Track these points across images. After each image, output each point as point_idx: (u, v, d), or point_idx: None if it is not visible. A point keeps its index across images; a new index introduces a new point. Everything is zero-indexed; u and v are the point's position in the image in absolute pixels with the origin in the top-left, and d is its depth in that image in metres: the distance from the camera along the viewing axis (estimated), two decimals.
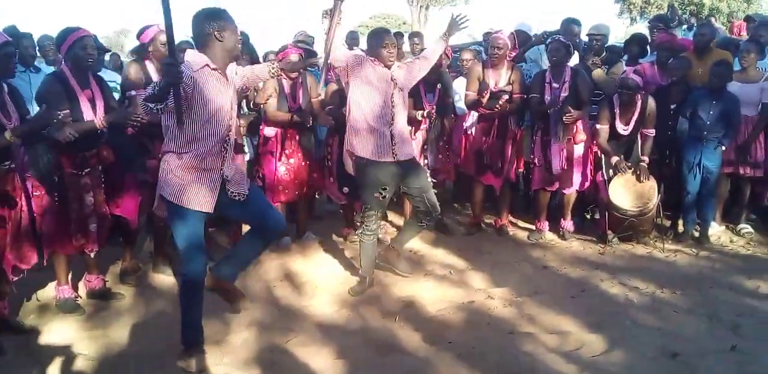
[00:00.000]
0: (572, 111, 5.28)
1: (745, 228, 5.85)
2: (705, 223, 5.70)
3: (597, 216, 5.91)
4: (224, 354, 3.58)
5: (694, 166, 5.52)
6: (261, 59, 6.15)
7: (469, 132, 5.91)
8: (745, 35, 7.41)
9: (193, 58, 3.23)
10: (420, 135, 5.45)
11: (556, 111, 5.44)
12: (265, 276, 4.79)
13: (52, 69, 5.73)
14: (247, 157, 5.46)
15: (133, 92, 4.33)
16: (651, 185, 5.39)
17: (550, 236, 5.85)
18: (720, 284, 4.67)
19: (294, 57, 5.07)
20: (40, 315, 4.14)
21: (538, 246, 5.64)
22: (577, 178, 5.64)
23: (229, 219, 4.05)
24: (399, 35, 9.28)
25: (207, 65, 3.20)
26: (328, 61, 4.28)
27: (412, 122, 5.21)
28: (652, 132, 5.45)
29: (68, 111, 3.81)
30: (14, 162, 3.65)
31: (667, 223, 5.92)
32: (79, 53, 3.89)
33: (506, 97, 5.48)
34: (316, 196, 6.31)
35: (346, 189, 5.33)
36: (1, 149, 3.49)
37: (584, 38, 6.58)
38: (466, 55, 6.27)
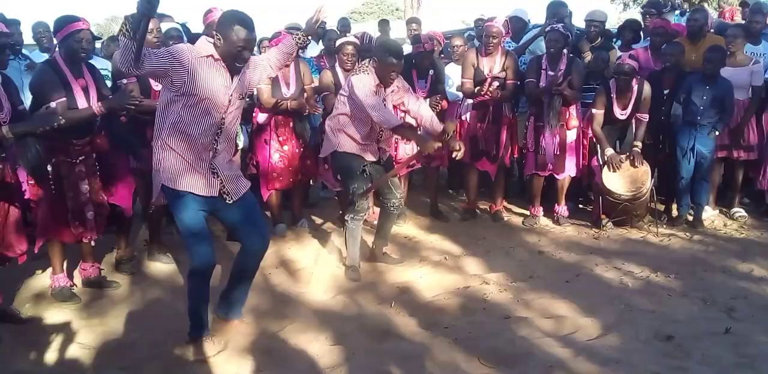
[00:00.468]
0: (566, 89, 5.28)
1: (739, 211, 5.88)
2: (699, 207, 5.72)
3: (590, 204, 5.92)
4: (220, 341, 3.57)
5: (687, 150, 5.53)
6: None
7: (463, 118, 5.89)
8: (738, 20, 7.37)
9: (201, 45, 3.20)
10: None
11: (549, 97, 5.44)
12: (261, 264, 4.77)
13: (45, 56, 5.70)
14: (241, 145, 5.44)
15: (125, 80, 4.30)
16: (644, 170, 5.40)
17: (544, 221, 5.87)
18: (714, 267, 4.70)
19: None
20: (36, 304, 4.12)
21: (532, 232, 5.65)
22: (570, 163, 5.65)
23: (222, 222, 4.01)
24: (385, 22, 9.26)
25: (211, 55, 3.18)
26: None
27: None
28: (645, 117, 5.45)
29: (65, 99, 3.78)
30: (5, 152, 3.63)
31: (661, 208, 5.94)
32: (73, 45, 3.86)
33: (496, 84, 5.47)
34: (311, 183, 6.30)
35: (339, 177, 5.31)
36: None
37: (576, 24, 6.57)
38: (457, 41, 6.24)
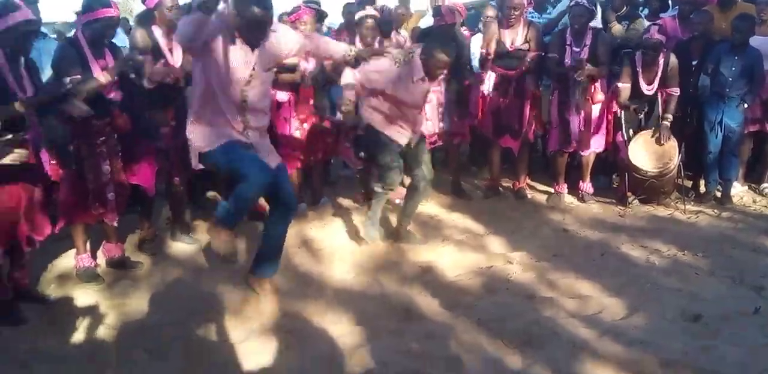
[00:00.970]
0: (588, 67, 5.16)
1: None
2: (727, 183, 5.60)
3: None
4: (243, 321, 3.57)
5: (715, 124, 5.41)
6: None
7: (486, 92, 5.78)
8: None
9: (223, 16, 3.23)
10: (434, 97, 5.33)
11: (573, 73, 5.31)
12: (288, 241, 4.76)
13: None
14: None
15: (140, 57, 4.26)
16: (671, 145, 5.28)
17: (569, 199, 5.78)
18: (743, 245, 4.61)
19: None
20: (61, 285, 4.15)
21: (557, 210, 5.58)
22: (595, 139, 5.54)
23: None
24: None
25: (234, 32, 3.22)
26: None
27: None
28: (676, 90, 5.30)
29: (79, 76, 3.77)
30: (28, 133, 3.62)
31: (689, 184, 5.82)
32: (100, 30, 3.89)
33: (530, 57, 5.38)
34: (331, 161, 6.26)
35: (362, 154, 5.27)
36: (15, 119, 3.46)
37: None
38: (490, 12, 5.99)
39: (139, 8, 4.78)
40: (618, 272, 4.18)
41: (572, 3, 5.41)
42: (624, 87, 5.30)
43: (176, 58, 4.40)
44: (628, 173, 5.40)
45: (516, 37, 5.41)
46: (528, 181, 6.10)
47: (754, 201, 5.63)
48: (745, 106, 5.37)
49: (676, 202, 5.53)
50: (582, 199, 5.73)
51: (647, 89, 5.32)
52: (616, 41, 5.67)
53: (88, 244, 4.23)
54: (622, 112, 5.45)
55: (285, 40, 3.47)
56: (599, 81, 5.42)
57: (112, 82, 3.86)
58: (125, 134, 4.08)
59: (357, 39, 5.30)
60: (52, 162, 3.92)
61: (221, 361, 3.22)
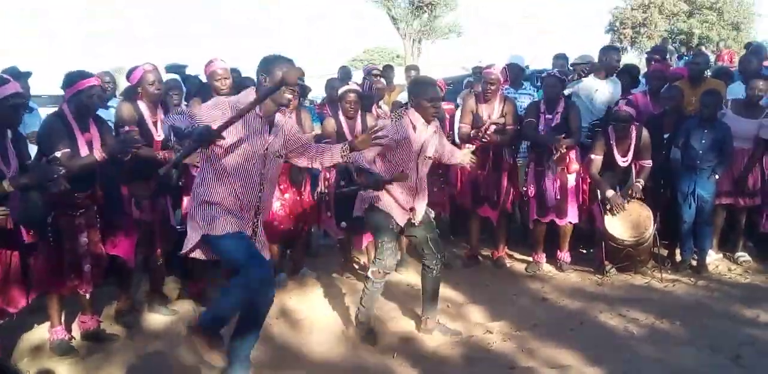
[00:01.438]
0: (563, 140, 5.32)
1: (743, 256, 5.84)
2: (702, 252, 5.68)
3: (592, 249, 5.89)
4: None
5: (688, 195, 5.54)
6: None
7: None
8: (737, 62, 7.52)
9: (245, 96, 3.26)
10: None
11: (548, 141, 5.48)
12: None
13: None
14: None
15: (126, 127, 4.35)
16: (646, 214, 5.39)
17: (547, 267, 5.83)
18: (719, 314, 4.64)
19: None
20: (34, 358, 4.07)
21: (536, 278, 5.62)
22: (572, 208, 5.65)
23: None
24: (390, 68, 9.40)
25: (252, 111, 3.19)
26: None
27: None
28: (649, 162, 5.47)
29: (68, 150, 3.82)
30: (8, 205, 3.64)
31: (665, 253, 5.91)
32: (84, 101, 3.94)
33: (493, 127, 5.51)
34: (312, 231, 6.28)
35: (344, 224, 5.32)
36: None
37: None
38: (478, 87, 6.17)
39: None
40: (597, 342, 4.18)
41: (545, 74, 5.66)
42: (596, 159, 5.46)
43: (160, 131, 4.49)
44: (605, 242, 5.48)
45: (492, 111, 5.59)
46: (507, 250, 6.15)
47: (730, 270, 5.70)
48: (716, 177, 5.52)
49: (653, 271, 5.59)
50: (560, 268, 5.78)
51: (622, 161, 5.47)
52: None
53: (62, 316, 4.18)
54: (595, 185, 5.58)
55: (293, 134, 3.54)
56: (574, 151, 5.58)
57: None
58: (106, 205, 4.11)
59: (339, 112, 5.44)
60: (30, 233, 3.93)
61: None
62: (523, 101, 6.22)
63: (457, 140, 5.82)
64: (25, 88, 5.81)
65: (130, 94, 4.54)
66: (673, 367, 3.76)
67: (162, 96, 4.64)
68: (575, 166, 5.58)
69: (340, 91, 5.50)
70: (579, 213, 5.70)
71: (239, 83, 6.07)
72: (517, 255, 6.23)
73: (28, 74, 6.08)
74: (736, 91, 6.01)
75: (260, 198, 3.37)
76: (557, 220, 5.67)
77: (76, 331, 4.33)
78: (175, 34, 73.88)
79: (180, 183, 4.85)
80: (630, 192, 5.40)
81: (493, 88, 5.52)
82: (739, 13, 28.36)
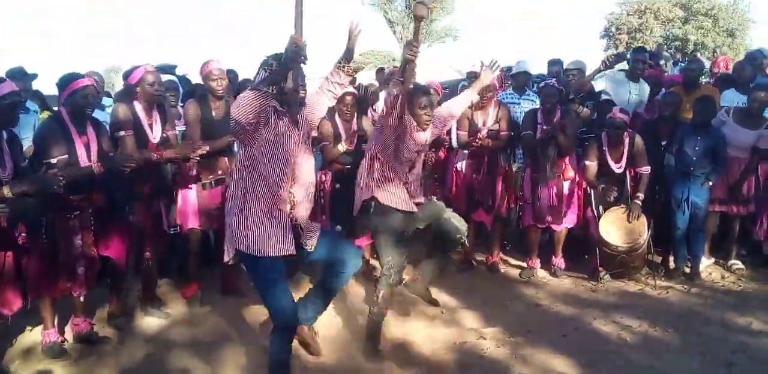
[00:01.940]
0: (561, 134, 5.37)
1: (736, 263, 5.84)
2: (696, 259, 5.70)
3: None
4: None
5: (682, 201, 5.54)
6: None
7: (459, 169, 5.93)
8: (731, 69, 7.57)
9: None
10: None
11: (544, 148, 5.49)
12: (255, 318, 4.73)
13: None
14: None
15: (122, 132, 4.34)
16: (641, 221, 5.40)
17: (541, 273, 5.84)
18: (712, 321, 4.65)
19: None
20: (26, 361, 4.06)
21: (530, 284, 5.62)
22: (570, 214, 5.66)
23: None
24: (382, 71, 9.41)
25: (275, 107, 3.21)
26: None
27: None
28: (647, 169, 5.47)
29: (66, 156, 3.83)
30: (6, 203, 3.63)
31: (658, 259, 5.92)
32: (79, 101, 3.93)
33: (485, 133, 5.53)
34: None
35: (339, 228, 5.32)
36: None
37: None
38: None
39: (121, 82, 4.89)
40: (591, 348, 4.19)
41: (542, 84, 5.66)
42: (590, 165, 5.48)
43: (155, 133, 4.48)
44: (599, 248, 5.49)
45: (487, 118, 5.60)
46: (501, 255, 6.16)
47: (723, 277, 5.71)
48: (710, 183, 5.54)
49: (647, 278, 5.60)
50: (554, 274, 5.79)
51: (616, 167, 5.49)
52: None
53: (55, 319, 4.16)
54: (592, 189, 5.60)
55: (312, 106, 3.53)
56: (569, 158, 5.60)
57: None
58: (100, 206, 4.10)
59: (336, 115, 5.43)
60: (22, 234, 3.92)
61: None
62: (526, 107, 6.25)
63: (455, 145, 5.82)
64: (27, 89, 5.82)
65: (127, 95, 4.52)
66: None
67: (160, 98, 4.63)
68: (571, 172, 5.60)
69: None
70: (573, 218, 5.71)
71: (240, 84, 6.10)
72: (511, 261, 6.23)
73: (33, 76, 6.08)
74: (731, 98, 6.03)
75: (293, 196, 3.32)
76: (553, 226, 5.69)
77: (68, 334, 4.32)
78: (175, 34, 73.75)
79: (174, 183, 4.85)
80: (629, 209, 5.41)
81: (489, 95, 5.52)
82: (734, 19, 28.48)
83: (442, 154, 5.88)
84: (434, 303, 4.81)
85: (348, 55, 3.65)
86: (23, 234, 3.95)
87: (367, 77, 9.39)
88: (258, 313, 4.79)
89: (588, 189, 5.64)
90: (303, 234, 3.40)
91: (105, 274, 4.37)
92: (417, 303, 5.09)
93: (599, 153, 5.48)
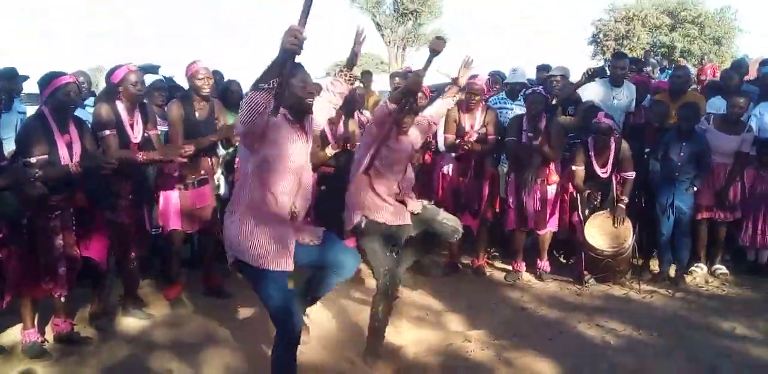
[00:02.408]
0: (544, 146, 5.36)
1: (720, 269, 5.87)
2: (680, 264, 5.72)
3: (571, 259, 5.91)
4: None
5: (667, 207, 5.57)
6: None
7: (445, 172, 5.93)
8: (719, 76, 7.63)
9: None
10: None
11: (529, 155, 5.50)
12: (238, 319, 4.70)
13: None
14: (222, 193, 5.42)
15: (106, 132, 4.30)
16: (626, 226, 5.42)
17: (527, 277, 5.84)
18: (696, 325, 4.67)
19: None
20: (5, 361, 4.00)
21: (515, 287, 5.62)
22: (552, 218, 5.67)
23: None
24: (368, 73, 9.42)
25: (284, 114, 3.12)
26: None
27: None
28: (631, 174, 5.50)
29: (46, 156, 3.78)
30: None
31: (643, 264, 5.93)
32: (62, 99, 3.90)
33: (475, 136, 5.52)
34: None
35: (323, 229, 5.28)
36: None
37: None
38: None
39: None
40: (576, 351, 4.18)
41: (529, 91, 5.68)
42: (578, 170, 5.49)
43: (137, 133, 4.44)
44: (585, 252, 5.50)
45: (475, 122, 5.60)
46: (487, 258, 6.15)
47: (707, 282, 5.73)
48: (695, 189, 5.57)
49: (632, 282, 5.61)
50: (540, 277, 5.79)
51: (601, 172, 5.51)
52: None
53: (36, 319, 4.11)
54: (578, 194, 5.61)
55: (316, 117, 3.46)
56: (554, 163, 5.61)
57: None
58: (81, 207, 4.06)
59: None
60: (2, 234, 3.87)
61: None
62: (518, 112, 6.25)
63: (441, 149, 5.81)
64: (15, 89, 5.77)
65: (109, 95, 4.47)
66: None
67: (143, 98, 4.59)
68: (555, 177, 5.62)
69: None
70: (558, 222, 5.73)
71: (224, 86, 6.05)
72: (497, 264, 6.24)
73: (24, 77, 6.01)
74: (717, 105, 6.07)
75: (295, 203, 3.24)
76: (537, 230, 5.69)
77: (49, 334, 4.26)
78: (175, 34, 73.59)
79: (156, 183, 4.81)
80: (613, 213, 5.42)
81: (477, 98, 5.53)
82: (720, 28, 28.71)
83: (428, 157, 5.87)
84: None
85: (351, 62, 3.62)
86: (1, 235, 3.91)
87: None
88: (241, 314, 4.78)
89: (574, 193, 5.65)
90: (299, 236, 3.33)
91: (86, 275, 4.31)
92: (401, 305, 5.07)
93: (586, 158, 5.49)
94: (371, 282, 4.74)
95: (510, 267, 5.93)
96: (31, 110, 5.60)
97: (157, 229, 4.85)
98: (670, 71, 10.19)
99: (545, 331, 4.56)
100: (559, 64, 6.83)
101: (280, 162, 3.11)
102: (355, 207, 4.12)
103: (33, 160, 3.73)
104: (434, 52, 3.84)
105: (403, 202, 4.19)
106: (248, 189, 3.15)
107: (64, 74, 3.98)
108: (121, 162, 4.13)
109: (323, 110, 3.54)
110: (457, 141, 5.54)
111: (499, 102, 6.49)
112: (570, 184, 5.63)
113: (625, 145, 5.45)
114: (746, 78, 7.03)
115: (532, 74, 7.66)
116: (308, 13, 2.74)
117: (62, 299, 4.09)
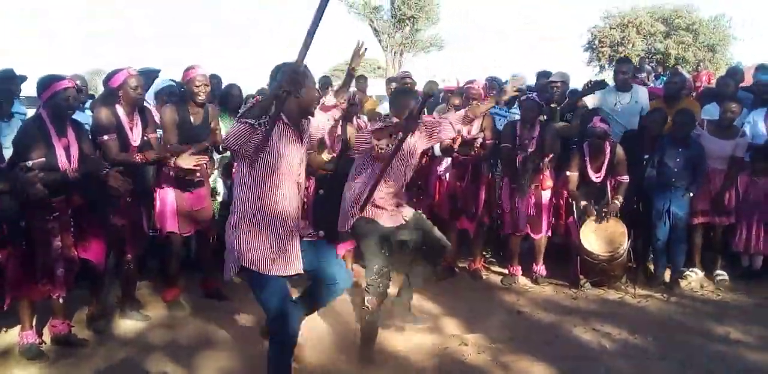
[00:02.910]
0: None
1: (721, 274, 5.88)
2: (675, 269, 5.75)
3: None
4: None
5: (663, 213, 5.60)
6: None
7: (442, 176, 5.95)
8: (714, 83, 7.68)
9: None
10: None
11: (524, 159, 5.53)
12: (236, 322, 4.71)
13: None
14: (220, 198, 5.44)
15: (105, 136, 4.31)
16: (621, 230, 5.45)
17: (523, 280, 5.86)
18: (691, 330, 4.70)
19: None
20: (3, 362, 4.00)
21: (511, 291, 5.64)
22: (546, 223, 5.71)
23: None
24: (363, 78, 9.43)
25: (280, 119, 3.13)
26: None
27: None
28: (626, 178, 5.54)
29: (43, 159, 3.79)
30: None
31: (638, 269, 5.96)
32: (61, 104, 3.91)
33: (480, 141, 5.56)
34: None
35: (321, 233, 5.30)
36: None
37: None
38: (456, 101, 6.22)
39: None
40: (571, 355, 4.20)
41: (523, 98, 5.71)
42: (572, 175, 5.53)
43: (136, 136, 4.46)
44: (580, 257, 5.52)
45: (472, 127, 5.62)
46: (483, 262, 6.17)
47: (702, 287, 5.76)
48: (690, 195, 5.61)
49: (627, 286, 5.64)
50: (536, 281, 5.82)
51: (595, 177, 5.54)
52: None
53: (33, 320, 4.11)
54: (573, 200, 5.64)
55: (316, 123, 3.51)
56: (548, 169, 5.64)
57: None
58: (79, 208, 4.07)
59: None
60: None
61: None
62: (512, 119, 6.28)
63: (437, 153, 5.83)
64: (13, 90, 5.77)
65: (109, 98, 4.49)
66: None
67: (142, 102, 4.60)
68: (549, 182, 5.65)
69: (321, 101, 5.47)
70: (553, 226, 5.76)
71: (225, 91, 6.08)
72: (493, 268, 6.26)
73: (23, 78, 6.01)
74: (712, 111, 6.11)
75: (296, 207, 3.29)
76: (532, 235, 5.72)
77: (46, 336, 4.26)
78: (175, 34, 73.56)
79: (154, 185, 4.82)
80: (608, 211, 5.45)
81: (474, 103, 5.55)
82: (714, 35, 28.88)
83: (424, 161, 5.90)
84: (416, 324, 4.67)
85: (348, 80, 3.76)
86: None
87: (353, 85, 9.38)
88: (238, 317, 4.78)
89: (570, 198, 5.68)
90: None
91: (84, 276, 4.32)
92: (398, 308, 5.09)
93: (581, 163, 5.53)
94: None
95: (506, 271, 5.96)
96: (31, 113, 5.61)
97: (155, 231, 4.85)
98: (665, 78, 10.26)
99: (541, 335, 4.58)
100: (562, 70, 6.85)
101: (275, 165, 3.14)
102: (352, 210, 4.14)
103: (30, 163, 3.74)
104: (428, 95, 4.04)
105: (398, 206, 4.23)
106: (245, 193, 3.17)
107: (64, 78, 4.00)
108: (121, 164, 4.15)
109: (321, 125, 3.58)
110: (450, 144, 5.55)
111: (495, 109, 6.50)
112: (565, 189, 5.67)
113: (620, 149, 5.49)
114: (741, 85, 7.07)
115: (532, 80, 7.69)
116: (308, 49, 2.85)
117: (60, 300, 4.09)
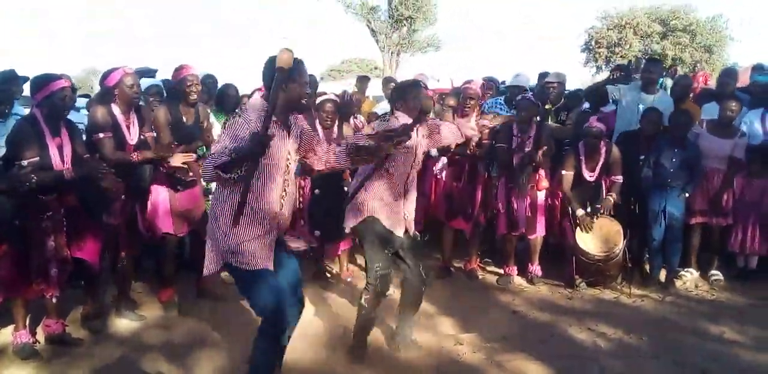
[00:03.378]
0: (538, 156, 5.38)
1: (716, 275, 5.89)
2: (671, 269, 5.76)
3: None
4: None
5: (659, 213, 5.61)
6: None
7: (438, 176, 5.96)
8: (712, 85, 7.68)
9: (254, 102, 3.16)
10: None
11: (519, 159, 5.54)
12: (231, 322, 4.70)
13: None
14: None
15: (101, 135, 4.31)
16: (617, 230, 5.45)
17: (518, 280, 5.87)
18: (686, 329, 4.71)
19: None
20: None
21: (507, 291, 5.64)
22: (541, 223, 5.71)
23: None
24: (366, 78, 9.43)
25: (273, 120, 3.07)
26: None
27: None
28: (619, 178, 5.55)
29: (37, 158, 3.79)
30: None
31: (634, 268, 5.97)
32: (57, 103, 3.91)
33: (476, 139, 5.56)
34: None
35: (317, 233, 5.32)
36: None
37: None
38: (451, 101, 6.22)
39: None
40: (565, 355, 4.21)
41: (519, 97, 5.72)
42: (567, 175, 5.54)
43: (133, 135, 4.46)
44: (576, 257, 5.53)
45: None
46: (479, 262, 6.17)
47: (697, 287, 5.77)
48: (686, 195, 5.61)
49: (622, 286, 5.65)
50: (531, 281, 5.82)
51: (589, 176, 5.55)
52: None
53: (27, 320, 4.10)
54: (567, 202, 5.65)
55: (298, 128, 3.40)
56: (543, 169, 5.64)
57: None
58: (73, 208, 4.06)
59: (317, 122, 5.41)
60: None
61: None
62: None
63: (435, 153, 5.83)
64: (14, 91, 5.75)
65: (105, 97, 4.48)
66: None
67: (138, 100, 4.60)
68: (545, 183, 5.66)
69: (317, 101, 5.47)
70: (548, 226, 5.77)
71: (221, 91, 6.07)
72: (489, 268, 6.26)
73: (24, 78, 5.98)
74: (711, 111, 6.11)
75: (282, 204, 3.22)
76: (527, 235, 5.73)
77: (40, 335, 4.26)
78: (175, 34, 73.63)
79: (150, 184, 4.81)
80: (600, 208, 5.46)
81: (472, 102, 5.57)
82: (711, 36, 28.92)
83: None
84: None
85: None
86: None
87: (350, 85, 9.43)
88: (233, 317, 4.77)
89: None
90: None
91: (79, 276, 4.31)
92: (394, 308, 5.08)
93: (576, 162, 5.53)
94: (361, 284, 4.74)
95: (502, 271, 5.96)
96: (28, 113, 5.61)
97: (148, 232, 4.85)
98: (662, 79, 10.26)
99: (536, 334, 4.59)
100: (560, 70, 6.87)
101: (260, 160, 3.08)
102: (358, 209, 4.06)
103: (24, 162, 3.74)
104: (425, 111, 4.00)
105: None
106: (233, 192, 3.11)
107: (60, 78, 3.98)
108: (117, 163, 4.15)
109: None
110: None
111: (497, 107, 6.50)
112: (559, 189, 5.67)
113: (615, 149, 5.50)
114: (738, 85, 7.06)
115: (534, 80, 7.69)
116: (270, 118, 2.99)
117: (54, 300, 4.08)
